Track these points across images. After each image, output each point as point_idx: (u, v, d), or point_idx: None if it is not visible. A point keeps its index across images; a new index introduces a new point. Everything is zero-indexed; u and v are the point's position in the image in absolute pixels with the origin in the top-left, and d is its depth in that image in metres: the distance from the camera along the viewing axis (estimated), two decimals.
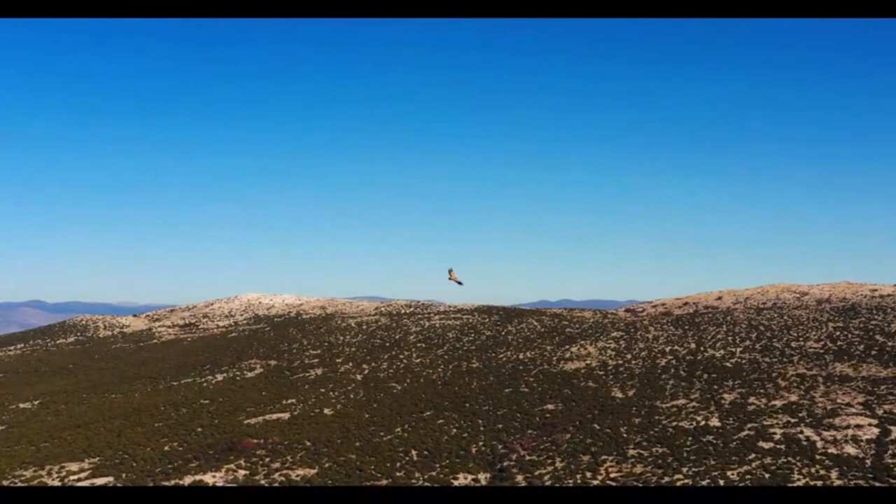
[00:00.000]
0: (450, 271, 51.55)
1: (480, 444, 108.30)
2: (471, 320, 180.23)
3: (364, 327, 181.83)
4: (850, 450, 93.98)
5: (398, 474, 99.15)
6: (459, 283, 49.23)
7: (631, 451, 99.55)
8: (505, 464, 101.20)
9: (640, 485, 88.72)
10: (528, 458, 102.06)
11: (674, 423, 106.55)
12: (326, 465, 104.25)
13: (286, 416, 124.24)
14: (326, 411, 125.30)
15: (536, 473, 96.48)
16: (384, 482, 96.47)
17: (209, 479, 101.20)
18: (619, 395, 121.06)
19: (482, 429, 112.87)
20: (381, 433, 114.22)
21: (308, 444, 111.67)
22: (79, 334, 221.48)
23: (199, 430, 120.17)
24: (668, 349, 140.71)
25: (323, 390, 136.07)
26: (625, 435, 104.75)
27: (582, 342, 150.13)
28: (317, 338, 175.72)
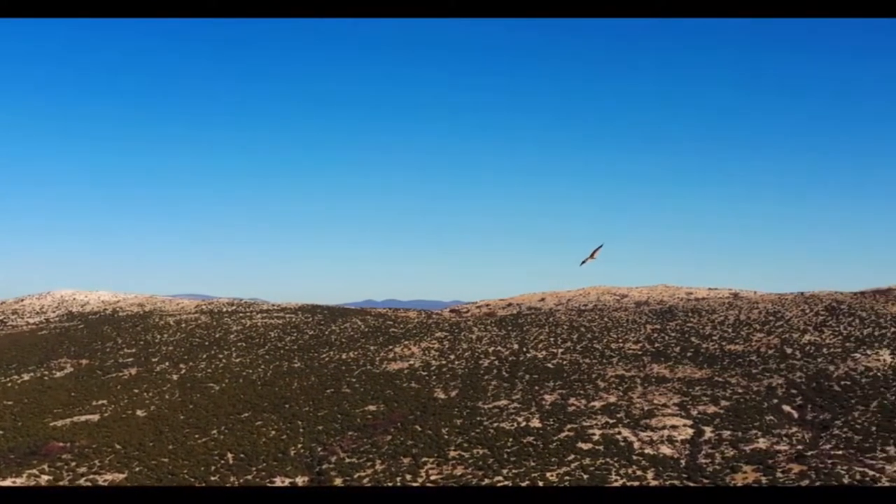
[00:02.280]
0: (593, 252, 53.97)
1: (299, 446, 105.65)
2: (294, 319, 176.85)
3: (183, 325, 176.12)
4: (666, 450, 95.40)
5: (212, 478, 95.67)
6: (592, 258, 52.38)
7: (452, 453, 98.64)
8: (324, 466, 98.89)
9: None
10: (347, 460, 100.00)
11: (495, 425, 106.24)
12: (137, 469, 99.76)
13: (96, 417, 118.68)
14: (139, 413, 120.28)
15: (356, 476, 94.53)
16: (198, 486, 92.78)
17: (7, 485, 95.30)
18: (442, 395, 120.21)
19: (302, 430, 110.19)
20: (196, 435, 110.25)
21: (118, 447, 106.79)
22: None
23: (1, 432, 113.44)
24: (491, 350, 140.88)
25: (136, 391, 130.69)
26: (446, 436, 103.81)
27: (406, 342, 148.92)
28: (133, 336, 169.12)
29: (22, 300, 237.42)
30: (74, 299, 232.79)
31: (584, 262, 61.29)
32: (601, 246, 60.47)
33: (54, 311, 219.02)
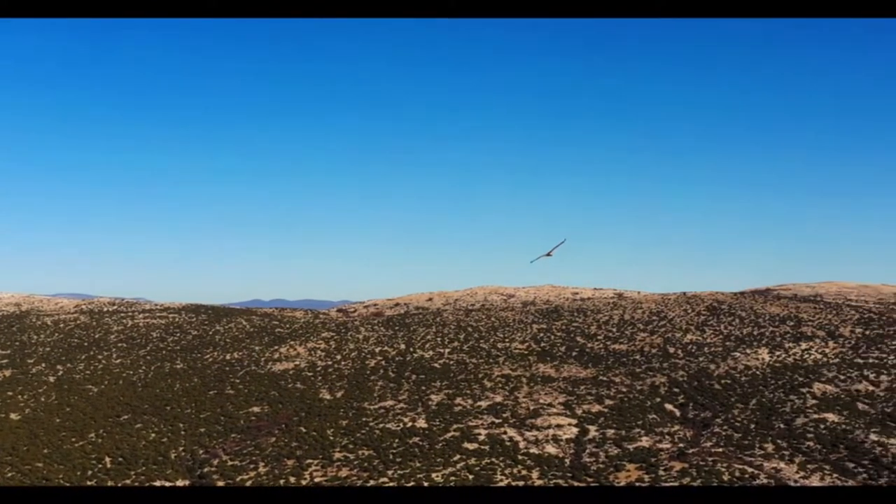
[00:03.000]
0: (552, 249, 49.81)
1: (181, 448, 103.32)
2: (177, 319, 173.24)
3: (61, 326, 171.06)
4: (551, 449, 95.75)
5: (89, 483, 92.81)
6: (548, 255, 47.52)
7: (337, 454, 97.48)
8: (205, 469, 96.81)
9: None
10: (230, 463, 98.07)
11: (381, 425, 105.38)
12: (9, 474, 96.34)
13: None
14: (13, 416, 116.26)
15: (238, 479, 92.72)
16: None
17: None
18: (328, 396, 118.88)
19: (183, 433, 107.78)
20: (73, 439, 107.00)
21: None
22: None
23: None
24: (378, 350, 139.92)
25: (10, 393, 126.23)
26: (331, 437, 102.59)
27: (291, 343, 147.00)
28: (7, 337, 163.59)
29: None
30: None
31: (538, 258, 57.88)
32: (563, 242, 56.00)
33: None
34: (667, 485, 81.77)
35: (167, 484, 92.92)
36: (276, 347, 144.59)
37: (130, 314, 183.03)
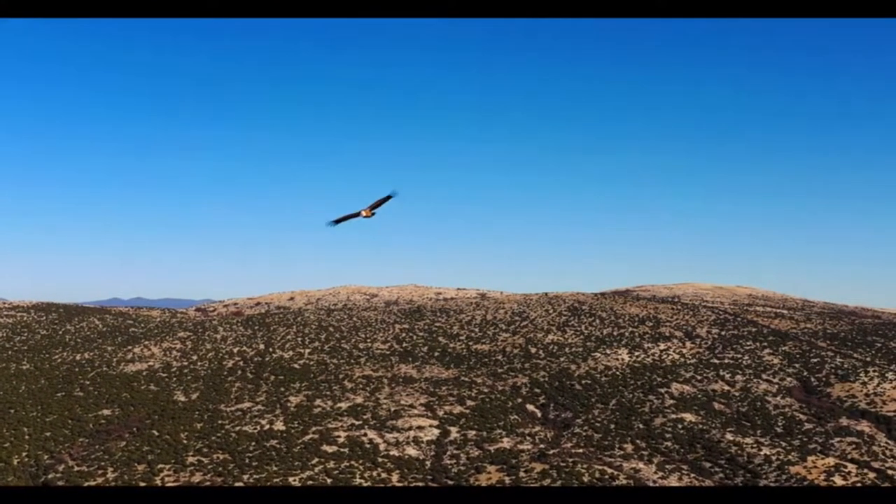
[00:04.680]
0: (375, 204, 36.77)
1: (24, 454, 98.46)
2: (26, 318, 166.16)
3: None
4: (412, 451, 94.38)
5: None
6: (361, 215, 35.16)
7: (190, 458, 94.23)
8: (50, 476, 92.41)
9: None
10: (76, 468, 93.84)
11: (237, 428, 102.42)
12: None
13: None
14: None
15: (84, 486, 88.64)
16: None
17: None
18: (182, 398, 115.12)
19: (27, 437, 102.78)
20: None
21: None
22: None
23: None
24: (236, 350, 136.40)
25: None
26: (185, 441, 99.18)
27: (146, 342, 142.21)
28: None
29: None
30: None
31: (343, 218, 37.97)
32: (390, 197, 36.97)
33: None
34: (669, 485, 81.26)
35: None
36: (129, 347, 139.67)
37: None
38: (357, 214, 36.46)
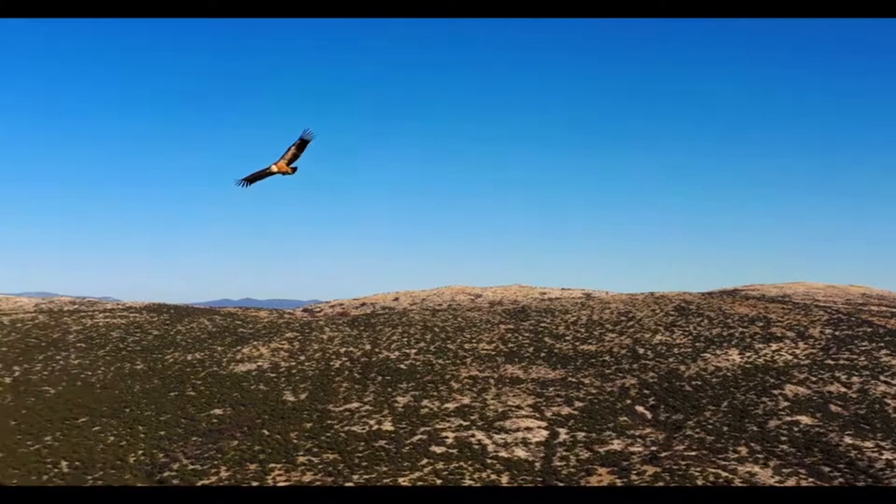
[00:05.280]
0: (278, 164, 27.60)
1: (140, 452, 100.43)
2: (138, 319, 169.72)
3: (19, 325, 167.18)
4: (521, 453, 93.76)
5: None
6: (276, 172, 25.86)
7: (301, 458, 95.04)
8: (165, 474, 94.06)
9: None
10: (190, 467, 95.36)
11: (346, 428, 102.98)
12: None
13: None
14: None
15: (199, 484, 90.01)
16: None
17: None
18: (291, 398, 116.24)
19: (143, 436, 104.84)
20: (29, 442, 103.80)
21: None
22: None
23: None
24: (342, 350, 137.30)
25: None
26: (295, 441, 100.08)
27: (255, 343, 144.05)
28: None
29: None
30: None
31: (254, 175, 29.37)
32: (305, 141, 29.36)
33: None
34: (671, 485, 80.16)
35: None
36: (238, 348, 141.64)
37: (90, 314, 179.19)
38: (268, 171, 29.05)
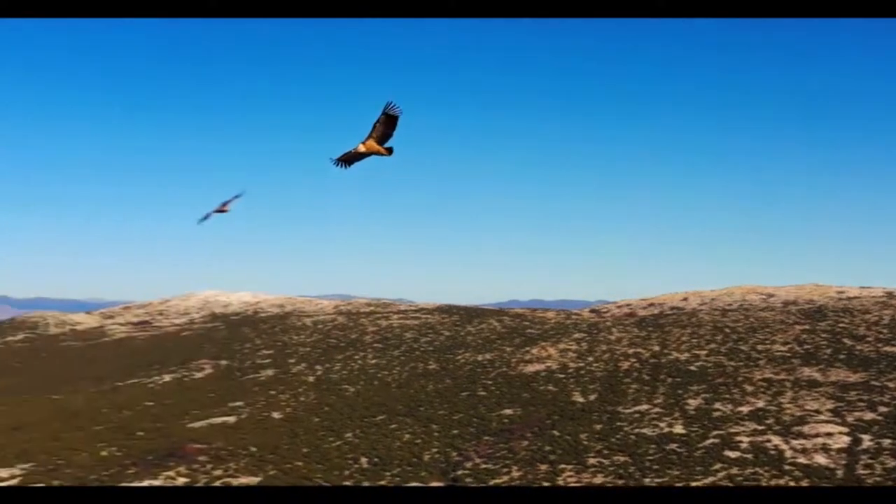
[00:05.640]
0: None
1: (434, 450, 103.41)
2: (430, 320, 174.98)
3: (320, 326, 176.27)
4: (821, 459, 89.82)
5: (346, 484, 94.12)
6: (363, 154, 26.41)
7: (591, 460, 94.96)
8: (459, 472, 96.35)
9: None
10: (483, 466, 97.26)
11: (636, 430, 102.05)
12: (271, 472, 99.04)
13: (232, 419, 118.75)
14: (275, 415, 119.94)
15: (492, 483, 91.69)
16: None
17: (145, 485, 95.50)
18: (580, 399, 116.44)
19: (436, 435, 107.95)
20: (331, 439, 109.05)
21: (253, 449, 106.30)
22: (28, 331, 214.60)
23: (141, 434, 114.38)
24: (631, 352, 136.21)
25: (273, 392, 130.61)
26: (585, 442, 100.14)
27: (543, 344, 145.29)
28: (270, 337, 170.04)
29: (167, 301, 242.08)
30: (217, 300, 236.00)
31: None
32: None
33: (198, 313, 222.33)
34: (665, 486, 74.95)
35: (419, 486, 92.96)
36: (527, 349, 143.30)
37: (386, 315, 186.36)
38: (357, 151, 28.61)
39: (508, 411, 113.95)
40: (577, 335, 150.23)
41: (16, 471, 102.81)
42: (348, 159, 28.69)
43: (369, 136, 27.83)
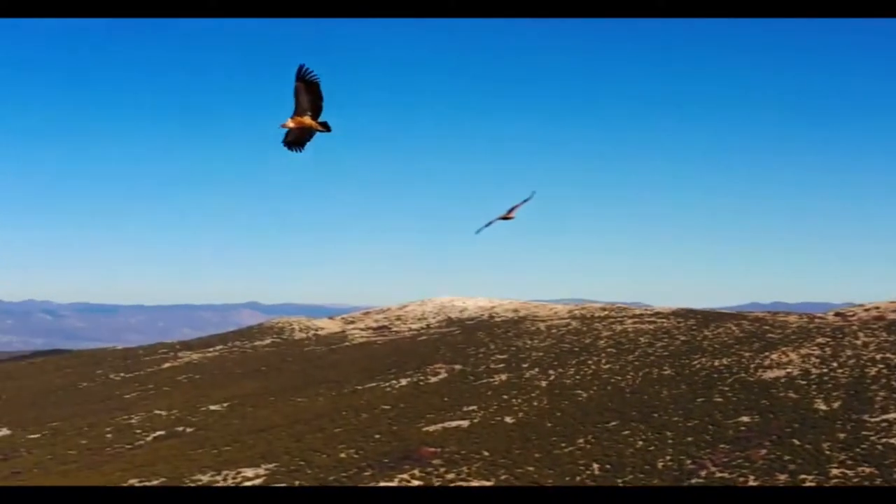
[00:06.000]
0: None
1: (668, 458, 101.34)
2: (666, 324, 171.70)
3: (553, 331, 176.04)
4: None
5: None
6: (507, 217, 27.20)
7: (834, 471, 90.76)
8: (693, 481, 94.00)
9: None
10: (718, 474, 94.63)
11: (883, 440, 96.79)
12: (503, 476, 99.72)
13: (466, 423, 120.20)
14: (507, 419, 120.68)
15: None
16: None
17: (381, 486, 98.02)
18: (823, 407, 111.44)
19: (670, 442, 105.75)
20: (563, 444, 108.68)
21: (486, 454, 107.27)
22: (275, 336, 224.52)
23: (377, 436, 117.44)
24: (878, 357, 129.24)
25: (506, 397, 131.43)
26: (827, 452, 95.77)
27: (783, 349, 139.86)
28: (504, 342, 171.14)
29: (405, 307, 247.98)
30: (453, 305, 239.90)
31: (489, 224, 32.23)
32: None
33: (434, 317, 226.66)
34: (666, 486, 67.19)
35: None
36: (766, 353, 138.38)
37: (620, 319, 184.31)
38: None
39: (746, 418, 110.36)
40: (820, 339, 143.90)
41: (260, 470, 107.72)
42: (293, 141, 24.80)
43: (297, 113, 24.14)
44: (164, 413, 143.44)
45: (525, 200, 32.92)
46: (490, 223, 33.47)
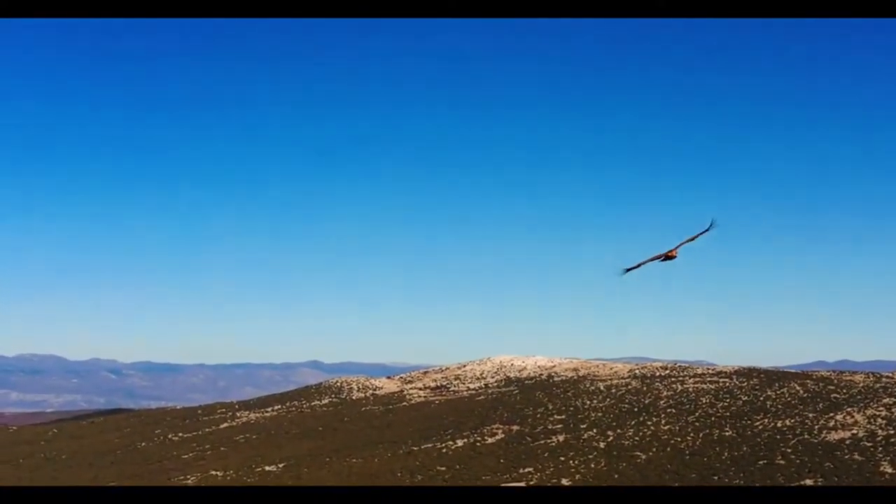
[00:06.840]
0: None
1: None
2: (728, 384, 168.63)
3: (613, 391, 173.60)
4: None
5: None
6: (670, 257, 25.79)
7: None
8: None
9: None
10: None
11: None
12: None
13: (521, 485, 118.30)
14: (564, 481, 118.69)
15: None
16: None
17: None
18: (889, 470, 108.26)
19: None
20: None
21: None
22: (334, 396, 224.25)
23: None
24: None
25: (563, 458, 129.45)
26: None
27: (849, 409, 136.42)
28: (563, 402, 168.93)
29: (464, 366, 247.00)
30: (512, 364, 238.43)
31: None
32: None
33: (493, 377, 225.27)
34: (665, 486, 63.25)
35: None
36: (831, 414, 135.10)
37: (681, 378, 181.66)
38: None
39: (809, 482, 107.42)
40: (886, 399, 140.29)
41: None
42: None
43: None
44: (219, 473, 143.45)
45: (701, 232, 29.98)
46: (642, 263, 30.77)
